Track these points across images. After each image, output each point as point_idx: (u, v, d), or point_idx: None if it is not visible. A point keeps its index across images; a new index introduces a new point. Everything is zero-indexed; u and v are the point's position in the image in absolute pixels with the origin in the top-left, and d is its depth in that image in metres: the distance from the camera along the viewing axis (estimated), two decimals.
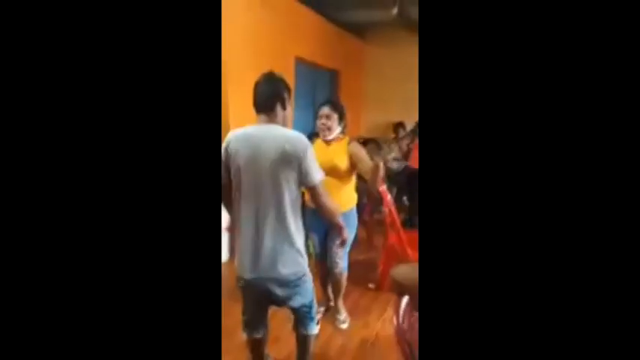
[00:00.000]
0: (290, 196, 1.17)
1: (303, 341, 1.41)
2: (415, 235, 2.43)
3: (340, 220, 1.32)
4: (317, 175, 1.18)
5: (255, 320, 1.33)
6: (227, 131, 1.28)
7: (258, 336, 1.36)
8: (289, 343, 1.67)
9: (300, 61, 3.42)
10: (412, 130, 3.48)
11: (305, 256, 1.25)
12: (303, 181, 1.17)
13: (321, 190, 1.19)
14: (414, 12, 3.57)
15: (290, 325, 1.43)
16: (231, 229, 2.03)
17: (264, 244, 1.17)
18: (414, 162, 3.07)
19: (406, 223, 3.08)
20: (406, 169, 3.88)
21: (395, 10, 3.37)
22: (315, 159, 1.19)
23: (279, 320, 1.67)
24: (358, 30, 4.41)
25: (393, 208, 2.14)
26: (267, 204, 1.16)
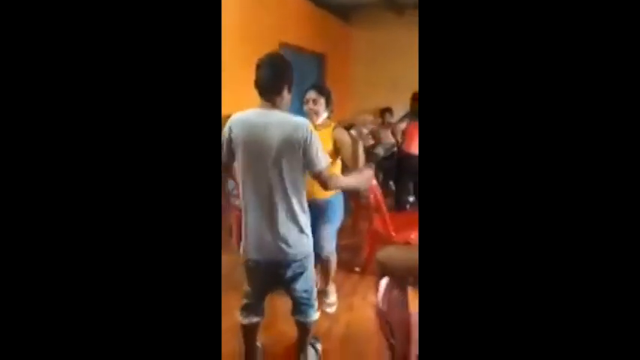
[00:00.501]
0: (295, 180, 1.19)
1: (303, 328, 1.42)
2: (400, 217, 2.47)
3: (370, 185, 1.41)
4: (322, 162, 1.19)
5: (255, 304, 1.36)
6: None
7: (255, 320, 1.38)
8: (278, 329, 1.71)
9: (285, 46, 3.36)
10: (407, 115, 3.43)
11: (310, 237, 1.29)
12: (309, 166, 1.18)
13: (327, 174, 1.21)
14: None
15: (280, 312, 1.45)
16: (235, 212, 2.04)
17: (271, 226, 1.19)
18: (408, 146, 3.05)
19: (401, 204, 3.12)
20: (396, 154, 3.90)
21: None
22: (320, 145, 1.20)
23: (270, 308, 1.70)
24: (343, 13, 4.34)
25: (377, 193, 2.16)
26: (273, 188, 1.17)
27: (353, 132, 1.58)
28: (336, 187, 1.32)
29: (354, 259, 2.42)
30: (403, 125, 3.11)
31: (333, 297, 1.98)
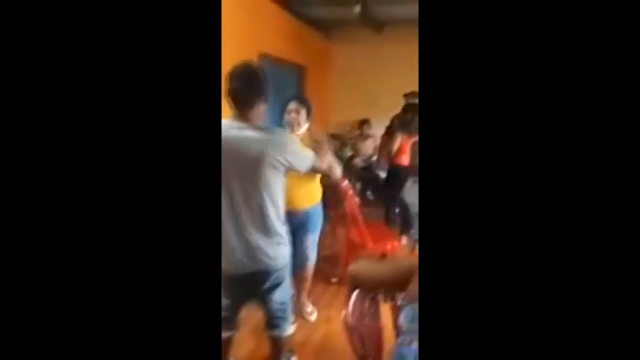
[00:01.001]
0: (273, 192, 1.17)
1: (277, 343, 1.38)
2: (377, 228, 2.50)
3: (341, 181, 1.47)
4: (304, 165, 1.23)
5: (230, 317, 1.32)
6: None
7: (229, 334, 1.34)
8: (251, 344, 1.68)
9: (265, 57, 3.38)
10: (397, 127, 3.35)
11: (289, 247, 1.27)
12: (300, 168, 1.23)
13: (320, 166, 1.29)
14: (376, 11, 3.63)
15: (252, 326, 1.42)
16: None
17: (250, 238, 1.17)
18: (399, 158, 3.02)
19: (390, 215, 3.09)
20: (377, 165, 3.94)
21: (357, 9, 3.41)
22: (298, 147, 1.22)
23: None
24: (322, 27, 4.42)
25: (354, 204, 2.19)
26: (251, 201, 1.15)
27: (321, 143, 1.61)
28: (323, 173, 1.39)
29: (332, 270, 2.43)
30: (399, 138, 3.02)
31: (310, 305, 1.98)
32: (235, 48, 2.92)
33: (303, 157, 1.24)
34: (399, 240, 2.37)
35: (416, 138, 2.93)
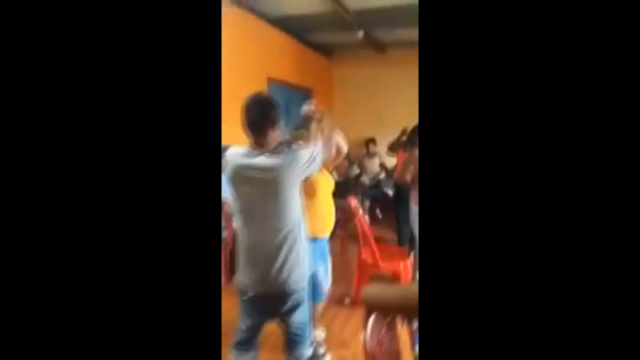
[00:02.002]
0: (293, 212, 1.21)
1: None
2: (388, 248, 2.49)
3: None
4: (316, 165, 1.27)
5: (249, 339, 1.33)
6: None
7: (250, 355, 1.35)
8: None
9: (272, 81, 3.48)
10: (403, 143, 3.34)
11: (308, 267, 1.30)
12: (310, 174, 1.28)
13: (332, 155, 1.34)
14: (378, 34, 3.75)
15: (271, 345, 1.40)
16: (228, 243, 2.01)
17: (271, 259, 1.20)
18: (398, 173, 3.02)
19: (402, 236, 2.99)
20: (383, 182, 3.95)
21: (361, 34, 3.52)
22: (305, 157, 1.23)
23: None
24: (326, 50, 4.55)
25: (364, 223, 2.19)
26: (272, 222, 1.20)
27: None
28: (342, 148, 1.43)
29: (344, 291, 2.40)
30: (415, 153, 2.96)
31: (322, 333, 1.95)
32: (243, 74, 3.02)
33: (312, 157, 1.26)
34: (410, 259, 2.36)
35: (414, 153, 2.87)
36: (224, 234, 2.22)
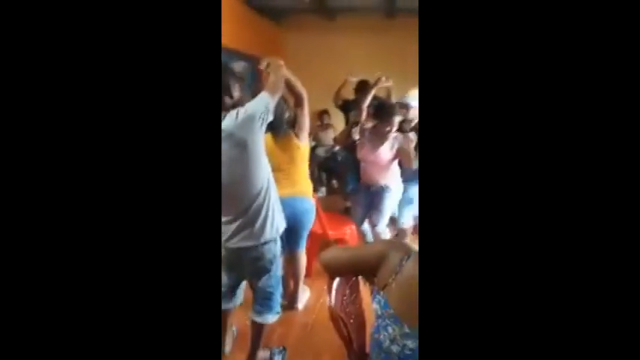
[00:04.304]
0: (265, 174, 1.30)
1: (255, 329, 1.43)
2: (333, 217, 2.54)
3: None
4: (270, 118, 1.29)
5: (231, 290, 1.42)
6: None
7: (231, 306, 1.44)
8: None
9: (223, 50, 3.24)
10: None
11: (284, 222, 1.40)
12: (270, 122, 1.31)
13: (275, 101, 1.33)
14: (328, 1, 3.63)
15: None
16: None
17: (250, 217, 1.28)
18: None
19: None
20: (338, 153, 3.97)
21: None
22: (255, 109, 1.24)
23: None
24: (274, 16, 4.34)
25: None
26: (252, 184, 1.27)
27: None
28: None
29: None
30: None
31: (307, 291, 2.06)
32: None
33: (264, 108, 1.27)
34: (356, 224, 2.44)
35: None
36: None
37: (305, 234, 1.88)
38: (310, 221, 1.86)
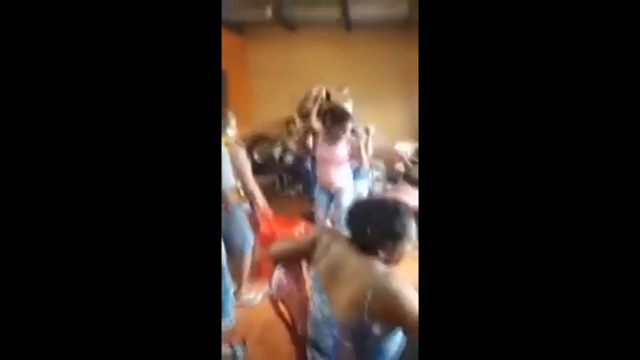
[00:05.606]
0: None
1: None
2: (282, 218, 2.61)
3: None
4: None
5: None
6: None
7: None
8: None
9: None
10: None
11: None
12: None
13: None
14: (287, 12, 3.77)
15: None
16: None
17: None
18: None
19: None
20: (305, 159, 4.09)
21: (269, 11, 3.51)
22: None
23: None
24: (236, 28, 4.43)
25: (261, 201, 2.21)
26: None
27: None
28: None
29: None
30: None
31: (252, 292, 2.16)
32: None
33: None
34: (306, 222, 2.54)
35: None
36: None
37: None
38: None
